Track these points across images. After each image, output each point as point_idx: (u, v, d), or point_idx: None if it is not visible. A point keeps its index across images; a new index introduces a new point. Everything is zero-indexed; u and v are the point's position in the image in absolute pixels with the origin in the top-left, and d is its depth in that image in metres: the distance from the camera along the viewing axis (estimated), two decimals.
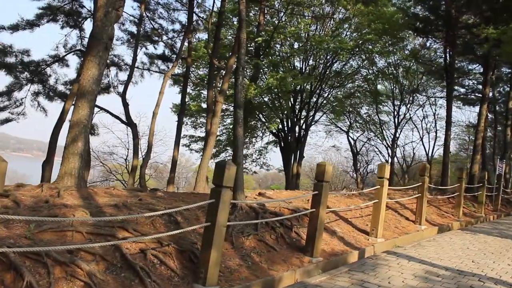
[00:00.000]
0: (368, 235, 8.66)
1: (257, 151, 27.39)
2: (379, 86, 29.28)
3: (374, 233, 8.64)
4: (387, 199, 11.75)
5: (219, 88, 14.78)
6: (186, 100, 23.25)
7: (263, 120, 23.22)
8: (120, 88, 17.84)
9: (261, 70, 18.64)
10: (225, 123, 25.55)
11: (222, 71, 15.15)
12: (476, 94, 30.88)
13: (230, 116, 24.96)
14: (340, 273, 6.08)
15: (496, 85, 29.02)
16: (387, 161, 29.80)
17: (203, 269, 5.06)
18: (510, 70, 25.25)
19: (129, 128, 18.17)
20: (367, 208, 9.94)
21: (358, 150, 31.43)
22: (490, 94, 30.69)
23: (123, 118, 16.54)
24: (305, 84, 20.91)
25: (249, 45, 18.81)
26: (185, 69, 20.12)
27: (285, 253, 6.68)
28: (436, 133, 33.05)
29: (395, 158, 33.59)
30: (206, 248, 5.11)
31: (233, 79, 12.94)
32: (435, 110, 32.78)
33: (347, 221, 9.20)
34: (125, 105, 16.19)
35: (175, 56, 24.04)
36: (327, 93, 24.66)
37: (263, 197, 9.18)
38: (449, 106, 17.53)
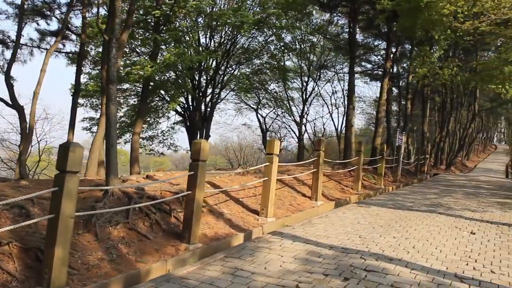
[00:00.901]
0: (259, 215, 8.27)
1: (163, 132, 26.46)
2: (288, 63, 29.25)
3: (264, 212, 8.27)
4: (286, 175, 11.56)
5: None
6: (86, 80, 21.77)
7: (168, 98, 22.26)
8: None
9: (163, 47, 17.66)
10: (129, 104, 24.39)
11: None
12: (382, 70, 31.66)
13: (133, 96, 23.82)
14: (214, 261, 5.56)
15: (400, 61, 29.88)
16: (298, 137, 30.05)
17: (47, 269, 4.34)
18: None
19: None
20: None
21: (268, 127, 31.32)
22: (395, 70, 31.83)
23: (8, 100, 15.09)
24: (209, 61, 20.23)
25: (147, 19, 17.79)
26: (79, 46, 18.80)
27: (159, 241, 6.08)
28: (344, 108, 33.76)
29: (306, 134, 33.99)
30: (50, 244, 4.39)
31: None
32: (344, 85, 33.46)
33: (238, 201, 8.75)
34: (9, 86, 14.77)
35: (70, 33, 22.26)
36: (233, 70, 24.16)
37: (150, 180, 8.47)
38: (351, 80, 17.65)
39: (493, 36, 17.98)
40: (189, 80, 21.23)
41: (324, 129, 37.49)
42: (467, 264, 5.78)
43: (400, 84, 33.53)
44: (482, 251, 6.50)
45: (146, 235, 6.06)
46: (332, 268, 5.40)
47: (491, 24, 13.71)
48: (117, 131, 22.79)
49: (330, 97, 33.57)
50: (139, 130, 17.55)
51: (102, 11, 17.28)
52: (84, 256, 5.14)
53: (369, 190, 13.74)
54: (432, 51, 14.72)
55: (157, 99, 23.38)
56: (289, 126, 34.58)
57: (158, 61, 16.49)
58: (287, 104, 29.30)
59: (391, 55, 20.12)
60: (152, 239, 6.07)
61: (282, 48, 24.81)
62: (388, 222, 8.38)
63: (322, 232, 7.39)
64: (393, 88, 38.09)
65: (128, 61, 19.61)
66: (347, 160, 14.87)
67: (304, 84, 29.00)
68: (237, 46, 23.37)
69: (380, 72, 31.96)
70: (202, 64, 19.91)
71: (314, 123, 36.90)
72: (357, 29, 25.87)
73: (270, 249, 6.22)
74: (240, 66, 25.37)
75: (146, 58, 17.78)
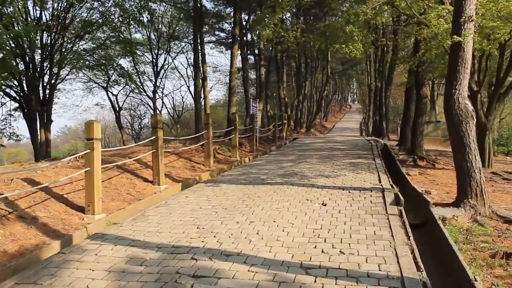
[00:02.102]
0: (85, 213, 6.76)
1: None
2: (137, 35, 27.12)
3: (91, 209, 6.76)
4: (127, 159, 10.07)
5: None
6: None
7: None
8: None
9: None
10: None
11: None
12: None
13: None
14: None
15: (254, 28, 29.26)
16: (159, 112, 28.32)
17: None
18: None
19: None
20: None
21: (121, 105, 29.11)
22: (249, 37, 31.30)
23: None
24: (36, 35, 17.57)
25: None
26: None
27: None
28: (206, 80, 32.66)
29: (165, 109, 32.36)
30: None
31: None
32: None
33: (62, 199, 7.11)
34: None
35: None
36: (73, 45, 21.55)
37: None
38: (195, 48, 16.38)
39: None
40: (18, 59, 18.34)
41: (183, 102, 36.10)
42: (315, 247, 4.97)
43: (256, 52, 33.24)
44: (332, 226, 5.79)
45: None
46: (152, 279, 4.21)
47: None
48: None
49: (186, 68, 32.14)
50: None
51: None
52: None
53: (223, 165, 12.80)
54: (275, 13, 14.09)
55: None
56: (146, 103, 32.70)
57: None
58: (139, 79, 27.27)
59: (240, 21, 19.23)
60: None
61: (125, 18, 22.70)
62: (234, 203, 7.39)
63: (154, 227, 6.15)
64: (251, 57, 37.99)
65: None
66: (196, 135, 13.74)
67: (155, 57, 27.15)
68: (77, 19, 20.86)
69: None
70: (27, 39, 17.17)
71: (173, 97, 35.28)
72: None
73: (81, 261, 4.84)
74: (81, 41, 22.78)
75: None
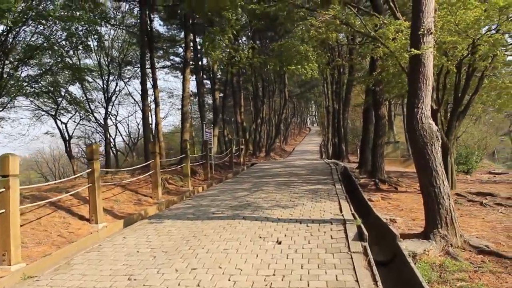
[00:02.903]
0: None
1: None
2: (88, 61, 25.95)
3: (6, 259, 5.71)
4: (64, 194, 8.97)
5: None
6: None
7: None
8: None
9: None
10: None
11: None
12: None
13: None
14: None
15: (204, 50, 28.63)
16: (105, 141, 27.02)
17: None
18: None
19: None
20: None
21: (71, 134, 27.62)
22: (205, 62, 30.62)
23: None
24: None
25: None
26: None
27: None
28: (159, 106, 31.59)
29: (120, 136, 31.04)
30: None
31: None
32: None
33: None
34: None
35: None
36: (14, 71, 20.19)
37: None
38: (143, 73, 15.45)
39: (290, 19, 17.53)
40: None
41: (139, 128, 34.83)
42: None
43: (211, 76, 32.54)
44: (287, 271, 4.93)
45: None
46: None
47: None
48: None
49: (141, 94, 31.04)
50: None
51: None
52: None
53: (173, 196, 11.80)
54: (224, 33, 13.43)
55: None
56: (101, 130, 31.25)
57: None
58: (88, 107, 25.94)
59: (194, 45, 18.44)
60: None
61: (72, 43, 21.53)
62: (177, 244, 6.43)
63: (77, 280, 5.12)
64: (207, 81, 37.25)
65: None
66: (145, 164, 12.70)
67: (106, 82, 25.95)
68: (20, 43, 19.58)
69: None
70: None
71: (127, 124, 33.98)
72: (159, 20, 23.90)
73: None
74: (25, 67, 21.44)
75: None
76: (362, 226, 6.43)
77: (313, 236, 6.36)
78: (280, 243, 6.08)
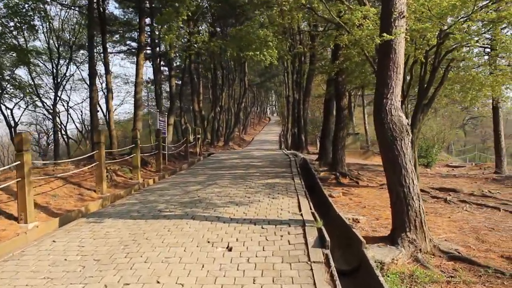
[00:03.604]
0: None
1: None
2: (37, 43, 24.30)
3: None
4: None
5: None
6: None
7: None
8: None
9: None
10: None
11: None
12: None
13: None
14: None
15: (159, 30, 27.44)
16: (53, 129, 25.51)
17: None
18: None
19: None
20: None
21: (18, 120, 25.91)
22: (163, 48, 29.32)
23: None
24: None
25: None
26: None
27: None
28: (111, 92, 30.18)
29: (73, 123, 29.50)
30: None
31: None
32: (112, 67, 29.80)
33: None
34: None
35: None
36: None
37: None
38: (91, 56, 14.31)
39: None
40: None
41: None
42: None
43: (169, 62, 31.35)
44: (237, 286, 4.19)
45: None
46: None
47: None
48: None
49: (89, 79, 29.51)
50: None
51: None
52: None
53: (121, 189, 10.84)
54: (179, 15, 12.47)
55: None
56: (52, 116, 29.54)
57: None
58: (36, 92, 24.30)
59: (147, 28, 17.35)
60: None
61: (16, 22, 20.00)
62: (113, 250, 5.56)
63: None
64: (165, 68, 35.90)
65: None
66: (90, 154, 11.66)
67: (55, 66, 24.36)
68: None
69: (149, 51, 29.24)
70: None
71: (81, 110, 32.34)
72: (114, 2, 22.51)
73: None
74: None
75: None
76: (323, 230, 5.75)
77: (268, 241, 5.62)
78: (230, 249, 5.32)
